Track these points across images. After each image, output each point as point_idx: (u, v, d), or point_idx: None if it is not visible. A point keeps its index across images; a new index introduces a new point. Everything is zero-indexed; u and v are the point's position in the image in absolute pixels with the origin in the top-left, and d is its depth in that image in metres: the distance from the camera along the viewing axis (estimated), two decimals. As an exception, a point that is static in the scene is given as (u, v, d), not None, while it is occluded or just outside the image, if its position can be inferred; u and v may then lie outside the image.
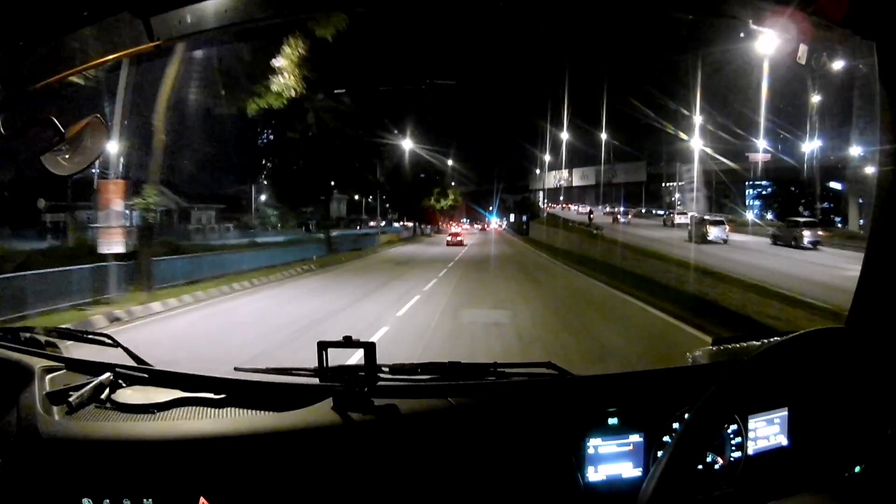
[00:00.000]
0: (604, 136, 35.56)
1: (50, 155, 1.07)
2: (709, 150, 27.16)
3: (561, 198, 46.58)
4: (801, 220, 18.72)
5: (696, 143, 27.63)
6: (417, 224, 49.91)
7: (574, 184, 44.33)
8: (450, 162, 47.86)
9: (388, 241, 33.52)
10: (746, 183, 31.19)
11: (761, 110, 22.70)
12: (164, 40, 1.16)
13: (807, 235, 16.55)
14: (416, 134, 35.97)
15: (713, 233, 19.24)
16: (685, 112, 26.11)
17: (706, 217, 22.97)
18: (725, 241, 18.80)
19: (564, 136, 37.68)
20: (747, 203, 31.21)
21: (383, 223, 57.53)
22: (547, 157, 43.94)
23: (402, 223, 50.77)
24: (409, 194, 43.11)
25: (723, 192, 30.53)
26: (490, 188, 57.44)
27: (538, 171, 49.43)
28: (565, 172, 44.13)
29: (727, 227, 19.99)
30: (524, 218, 45.75)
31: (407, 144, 34.20)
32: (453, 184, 50.96)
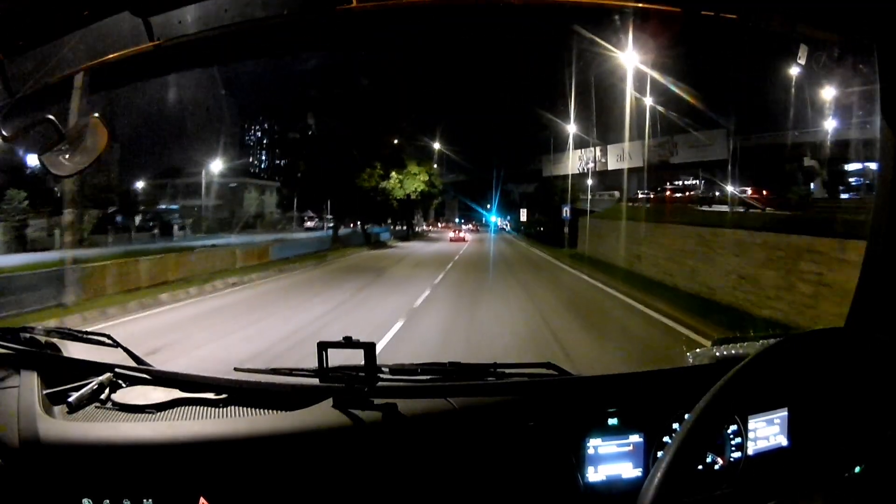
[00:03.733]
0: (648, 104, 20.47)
1: (50, 155, 1.07)
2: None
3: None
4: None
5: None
6: (361, 225, 28.60)
7: (609, 167, 27.60)
8: (436, 145, 31.44)
9: (175, 283, 11.05)
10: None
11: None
12: (164, 40, 1.16)
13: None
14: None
15: None
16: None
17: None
18: None
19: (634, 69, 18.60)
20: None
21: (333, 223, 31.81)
22: (571, 128, 26.58)
23: (355, 224, 29.71)
24: (320, 164, 22.85)
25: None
26: (487, 176, 37.89)
27: (552, 155, 31.55)
28: (597, 151, 27.24)
29: None
30: (565, 214, 24.26)
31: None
32: (436, 166, 31.84)
